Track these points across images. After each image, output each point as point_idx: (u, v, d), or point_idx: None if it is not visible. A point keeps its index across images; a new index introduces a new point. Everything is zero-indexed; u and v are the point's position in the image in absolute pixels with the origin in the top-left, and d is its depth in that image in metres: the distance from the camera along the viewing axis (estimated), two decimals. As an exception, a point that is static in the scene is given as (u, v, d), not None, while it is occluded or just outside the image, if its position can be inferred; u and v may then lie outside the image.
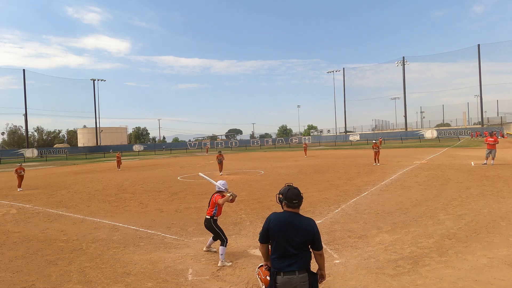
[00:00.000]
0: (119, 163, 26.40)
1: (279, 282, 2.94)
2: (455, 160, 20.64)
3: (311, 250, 3.11)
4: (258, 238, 3.22)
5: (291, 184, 3.21)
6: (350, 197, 10.69)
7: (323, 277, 3.16)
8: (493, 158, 17.23)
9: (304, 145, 34.90)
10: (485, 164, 17.24)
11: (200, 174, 7.07)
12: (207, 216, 5.89)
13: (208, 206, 5.95)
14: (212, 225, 5.81)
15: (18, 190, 15.88)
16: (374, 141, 21.45)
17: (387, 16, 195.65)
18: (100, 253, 6.39)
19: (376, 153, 20.58)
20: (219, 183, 5.94)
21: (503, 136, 54.56)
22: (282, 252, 2.98)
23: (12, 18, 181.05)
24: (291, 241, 2.97)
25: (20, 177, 16.39)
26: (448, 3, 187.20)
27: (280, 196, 3.13)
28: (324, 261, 3.15)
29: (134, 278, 5.18)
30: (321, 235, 3.17)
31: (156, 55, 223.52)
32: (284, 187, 3.18)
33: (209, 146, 68.97)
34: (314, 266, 3.10)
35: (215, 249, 6.19)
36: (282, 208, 3.14)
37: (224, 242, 5.67)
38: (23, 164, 19.36)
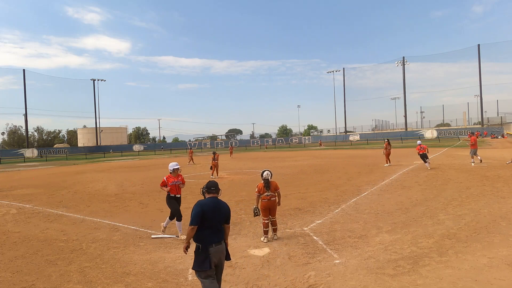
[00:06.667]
0: (191, 158, 28.96)
1: (212, 252, 3.77)
2: (455, 160, 20.63)
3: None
4: (190, 222, 3.82)
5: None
6: (350, 197, 10.69)
7: (226, 244, 4.08)
8: (473, 157, 17.64)
9: (230, 148, 38.91)
10: (481, 163, 17.39)
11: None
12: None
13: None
14: None
15: None
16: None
17: (387, 16, 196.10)
18: (100, 253, 6.39)
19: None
20: None
21: (503, 136, 54.55)
22: (214, 228, 3.87)
23: (12, 18, 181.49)
24: (220, 219, 3.94)
25: None
26: (448, 3, 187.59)
27: (203, 188, 4.10)
28: (228, 232, 4.15)
29: (134, 278, 5.18)
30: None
31: (156, 55, 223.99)
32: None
33: (233, 146, 55.33)
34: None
35: None
36: (204, 197, 4.07)
37: None
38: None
